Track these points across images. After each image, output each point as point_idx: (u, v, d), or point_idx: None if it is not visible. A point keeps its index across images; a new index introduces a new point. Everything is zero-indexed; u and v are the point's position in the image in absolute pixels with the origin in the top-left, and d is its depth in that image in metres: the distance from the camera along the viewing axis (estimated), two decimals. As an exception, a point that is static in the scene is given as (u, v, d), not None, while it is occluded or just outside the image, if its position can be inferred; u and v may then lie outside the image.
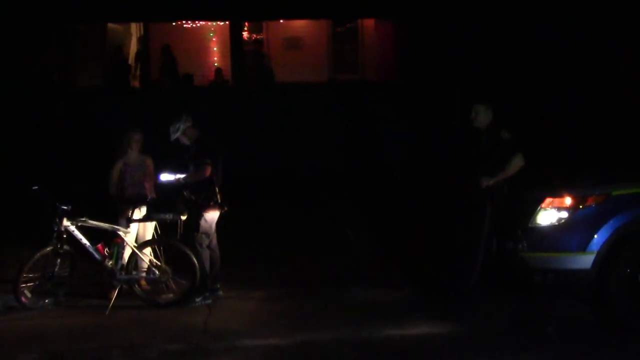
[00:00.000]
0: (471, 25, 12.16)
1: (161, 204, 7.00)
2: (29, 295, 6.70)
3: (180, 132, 7.07)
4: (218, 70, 13.65)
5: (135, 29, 14.95)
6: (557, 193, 6.06)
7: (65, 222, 6.67)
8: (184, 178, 7.01)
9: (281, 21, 14.03)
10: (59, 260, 6.73)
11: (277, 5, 12.68)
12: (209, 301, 6.91)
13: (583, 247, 5.86)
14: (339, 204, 10.26)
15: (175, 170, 7.09)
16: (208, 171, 6.95)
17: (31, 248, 6.87)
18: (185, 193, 7.01)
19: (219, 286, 7.14)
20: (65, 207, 6.63)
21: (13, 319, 6.54)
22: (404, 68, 13.18)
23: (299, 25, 14.36)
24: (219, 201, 7.04)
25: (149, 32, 13.78)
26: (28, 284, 6.68)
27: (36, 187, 6.74)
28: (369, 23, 14.51)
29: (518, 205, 6.33)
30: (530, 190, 6.27)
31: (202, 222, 6.98)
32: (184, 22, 13.85)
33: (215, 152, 7.08)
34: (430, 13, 12.35)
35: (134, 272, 6.85)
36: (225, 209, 7.07)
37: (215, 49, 14.27)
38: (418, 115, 12.29)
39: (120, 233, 6.85)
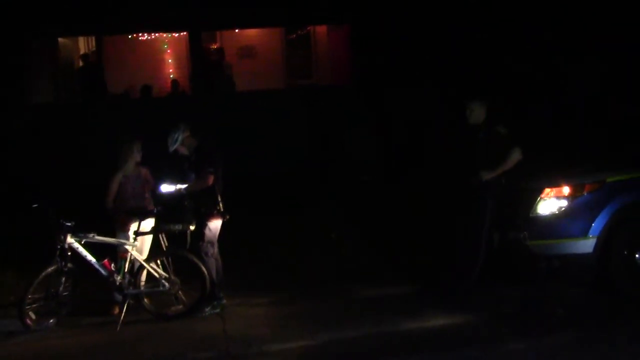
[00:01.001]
0: (422, 28, 12.61)
1: (167, 215, 6.93)
2: (33, 317, 6.53)
3: (179, 142, 7.06)
4: (174, 82, 13.57)
5: (82, 43, 14.69)
6: (555, 183, 6.41)
7: (70, 239, 6.53)
8: (185, 188, 6.99)
9: (236, 30, 14.05)
10: (63, 279, 6.58)
11: (233, 15, 12.77)
12: (218, 310, 6.90)
13: (584, 233, 6.23)
14: (311, 205, 10.41)
15: (175, 181, 7.07)
16: (211, 180, 6.95)
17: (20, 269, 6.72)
18: (186, 203, 7.00)
19: (222, 295, 7.15)
20: (69, 224, 6.50)
21: (19, 342, 6.35)
22: (358, 72, 13.48)
23: (253, 34, 14.43)
24: (222, 209, 7.06)
25: (102, 45, 13.56)
26: (32, 305, 6.51)
27: (36, 205, 6.58)
28: (321, 29, 14.73)
29: (518, 196, 6.65)
30: (529, 181, 6.59)
31: (207, 231, 6.98)
32: (139, 34, 13.67)
33: (217, 160, 7.10)
34: (381, 17, 12.71)
35: (142, 286, 6.77)
36: (227, 217, 7.08)
37: (170, 60, 14.14)
38: (377, 117, 12.65)
39: (127, 247, 6.76)
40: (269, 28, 14.22)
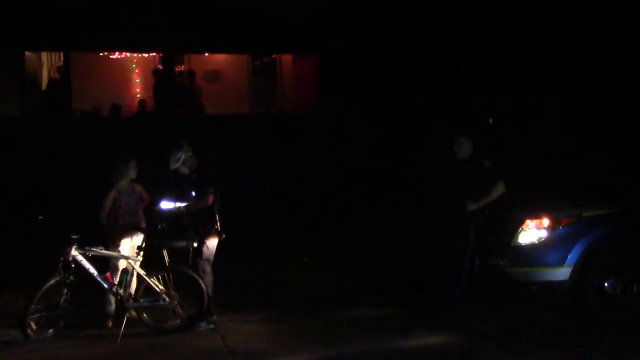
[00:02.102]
0: (386, 59, 13.26)
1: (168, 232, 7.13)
2: (34, 327, 6.61)
3: (181, 162, 7.31)
4: (142, 102, 13.69)
5: (45, 59, 14.63)
6: (536, 215, 6.99)
7: (74, 252, 6.66)
8: (185, 206, 7.22)
9: (206, 54, 14.33)
10: (65, 290, 6.69)
11: (203, 39, 13.08)
12: (212, 326, 7.13)
13: (562, 262, 6.81)
14: (277, 230, 10.74)
15: (174, 198, 7.29)
16: (211, 199, 7.22)
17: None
18: (184, 220, 7.23)
19: (213, 311, 7.38)
20: (75, 237, 6.64)
21: (20, 352, 6.40)
22: (325, 101, 13.98)
23: (220, 58, 14.76)
24: (219, 228, 7.32)
25: (69, 61, 13.55)
26: (34, 316, 6.58)
27: (41, 217, 6.69)
28: (287, 58, 15.18)
29: (500, 226, 7.20)
30: (511, 212, 7.15)
31: (204, 249, 7.22)
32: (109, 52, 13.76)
33: (216, 180, 7.37)
34: (351, 48, 13.30)
35: (141, 300, 6.93)
36: (224, 236, 7.35)
37: (137, 80, 14.26)
38: (342, 145, 13.14)
39: (130, 261, 6.93)
40: (238, 54, 14.59)
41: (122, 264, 7.19)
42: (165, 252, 7.00)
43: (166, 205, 7.26)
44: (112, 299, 7.23)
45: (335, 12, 13.26)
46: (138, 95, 14.12)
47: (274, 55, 15.25)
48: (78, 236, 6.68)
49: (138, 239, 7.32)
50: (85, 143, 11.75)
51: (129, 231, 7.33)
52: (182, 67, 14.57)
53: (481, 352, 6.21)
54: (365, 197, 11.95)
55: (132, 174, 7.50)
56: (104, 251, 6.86)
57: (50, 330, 6.73)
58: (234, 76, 14.84)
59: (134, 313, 7.17)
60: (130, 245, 7.32)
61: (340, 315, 7.52)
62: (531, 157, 7.64)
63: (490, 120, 11.57)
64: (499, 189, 7.21)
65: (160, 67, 14.01)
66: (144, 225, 7.48)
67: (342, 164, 13.01)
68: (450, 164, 7.49)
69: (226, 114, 13.60)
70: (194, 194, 7.31)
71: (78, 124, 12.61)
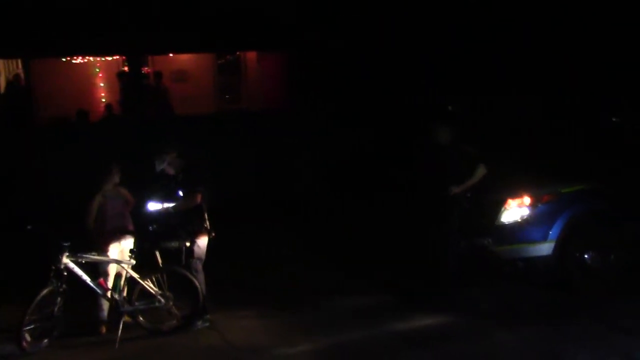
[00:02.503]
0: (357, 56, 13.42)
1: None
2: (28, 339, 6.53)
3: (166, 162, 7.34)
4: (109, 106, 13.58)
5: (2, 66, 14.40)
6: (517, 194, 7.23)
7: (65, 260, 6.63)
8: (173, 207, 7.25)
9: (171, 55, 14.29)
10: (59, 299, 6.65)
11: (167, 40, 13.03)
12: (207, 324, 7.18)
13: (544, 237, 7.07)
14: (257, 226, 10.83)
15: (161, 200, 7.31)
16: (199, 198, 7.26)
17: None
18: (172, 221, 7.25)
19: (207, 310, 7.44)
20: (66, 244, 6.61)
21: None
22: (293, 98, 14.08)
23: (185, 58, 14.73)
24: (208, 227, 7.37)
25: (29, 67, 13.35)
26: (28, 328, 6.51)
27: (30, 227, 6.64)
28: (251, 55, 15.23)
29: (483, 207, 7.41)
30: (494, 193, 7.37)
31: (196, 248, 7.26)
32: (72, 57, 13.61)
33: (205, 179, 7.42)
34: (318, 45, 13.42)
35: (136, 303, 6.94)
36: (213, 234, 7.40)
37: (102, 84, 14.13)
38: (315, 142, 13.26)
39: (124, 265, 6.93)
40: (203, 53, 14.56)
41: (112, 269, 7.19)
42: (158, 254, 7.02)
43: (154, 206, 7.29)
44: (104, 305, 7.21)
45: (305, 9, 13.38)
46: (103, 100, 14.00)
47: (237, 53, 15.29)
48: (69, 243, 6.65)
49: (127, 242, 7.32)
50: (52, 149, 11.62)
51: (117, 235, 7.31)
52: (147, 69, 14.50)
53: (477, 330, 6.42)
54: (346, 193, 12.08)
55: (116, 177, 7.48)
56: (96, 257, 6.84)
57: (45, 341, 6.66)
58: (200, 75, 14.82)
59: (127, 318, 7.21)
60: (119, 249, 7.30)
61: (336, 305, 7.61)
62: (507, 139, 7.84)
63: (450, 107, 11.83)
64: (481, 172, 7.42)
65: (125, 69, 13.91)
66: (131, 228, 7.48)
67: (318, 161, 13.12)
68: (431, 151, 7.67)
69: (198, 114, 13.58)
70: (181, 193, 7.34)
71: (43, 131, 12.42)
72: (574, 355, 5.52)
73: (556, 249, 7.04)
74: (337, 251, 9.73)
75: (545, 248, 7.06)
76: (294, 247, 10.14)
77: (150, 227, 7.05)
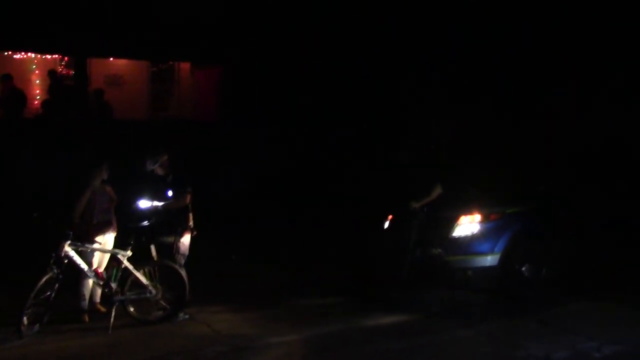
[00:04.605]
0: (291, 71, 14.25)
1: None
2: (25, 323, 6.80)
3: (158, 163, 7.82)
4: (45, 103, 13.50)
5: None
6: (469, 212, 8.31)
7: (67, 247, 6.95)
8: (163, 205, 7.74)
9: (111, 59, 14.45)
10: (56, 286, 6.94)
11: (106, 44, 13.28)
12: (187, 316, 7.69)
13: (491, 250, 8.18)
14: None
15: (151, 198, 7.77)
16: (188, 198, 7.82)
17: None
18: (160, 218, 7.73)
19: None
20: (69, 232, 6.93)
21: (12, 347, 6.59)
22: (219, 109, 14.65)
23: (121, 63, 14.89)
24: (192, 225, 7.90)
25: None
26: (27, 312, 6.78)
27: (36, 214, 6.91)
28: (185, 65, 15.64)
29: (438, 221, 8.44)
30: (448, 210, 8.42)
31: (180, 245, 7.79)
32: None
33: (191, 181, 7.95)
34: (249, 59, 14.14)
35: (128, 293, 7.33)
36: (195, 232, 7.94)
37: (37, 81, 14.04)
38: (248, 152, 13.86)
39: (119, 256, 7.31)
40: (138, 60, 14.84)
41: (95, 259, 7.53)
42: (153, 247, 7.46)
43: (144, 204, 7.73)
44: (86, 295, 7.57)
45: (238, 26, 14.03)
46: (38, 97, 13.90)
47: (170, 62, 15.66)
48: (71, 232, 6.98)
49: (110, 236, 7.73)
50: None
51: (102, 229, 7.69)
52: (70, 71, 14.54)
53: (435, 327, 7.32)
54: (273, 203, 12.72)
55: (105, 175, 7.86)
56: (95, 246, 7.20)
57: (37, 326, 6.95)
58: (135, 82, 15.04)
59: (102, 308, 7.60)
60: (102, 242, 7.66)
61: (302, 303, 8.38)
62: (462, 162, 8.97)
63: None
64: (437, 190, 8.46)
65: (59, 69, 13.93)
66: (115, 223, 7.86)
67: (250, 171, 13.68)
68: (391, 169, 8.64)
69: (129, 119, 13.80)
70: (170, 193, 7.84)
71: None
72: (530, 344, 6.54)
73: (500, 260, 8.16)
74: (279, 257, 10.43)
75: (491, 260, 8.16)
76: (237, 252, 10.74)
77: (147, 222, 7.49)
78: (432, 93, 12.19)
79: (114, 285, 7.25)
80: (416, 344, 6.77)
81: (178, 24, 13.47)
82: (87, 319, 7.50)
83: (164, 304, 7.54)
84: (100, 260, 7.70)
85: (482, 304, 8.14)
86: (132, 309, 7.37)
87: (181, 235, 7.78)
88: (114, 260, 7.37)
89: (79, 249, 7.10)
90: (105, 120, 13.12)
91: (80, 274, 7.42)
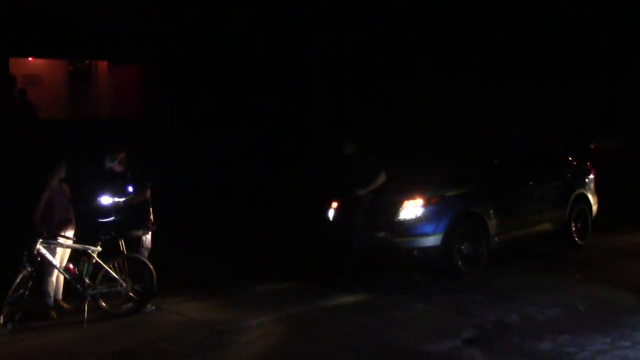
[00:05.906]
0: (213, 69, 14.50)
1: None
2: (1, 321, 6.81)
3: (116, 161, 7.99)
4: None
5: None
6: (412, 197, 8.97)
7: (39, 245, 7.01)
8: (124, 201, 7.92)
9: (30, 59, 14.13)
10: (30, 284, 6.99)
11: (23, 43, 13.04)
12: (154, 307, 7.90)
13: (434, 231, 8.86)
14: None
15: (112, 194, 7.92)
16: (148, 193, 8.04)
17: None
18: (123, 213, 7.90)
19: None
20: (41, 231, 6.99)
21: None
22: (140, 106, 14.69)
23: (38, 62, 14.58)
24: (152, 220, 8.12)
25: None
26: (4, 310, 6.80)
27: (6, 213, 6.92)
28: (103, 64, 15.52)
29: (383, 206, 9.04)
30: (392, 195, 9.05)
31: (144, 239, 8.00)
32: None
33: (150, 176, 8.16)
34: (177, 58, 14.28)
35: (99, 287, 7.46)
36: (155, 226, 8.17)
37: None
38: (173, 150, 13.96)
39: (90, 252, 7.42)
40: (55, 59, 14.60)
41: (58, 256, 7.59)
42: (122, 242, 7.62)
43: (106, 200, 7.87)
44: (51, 292, 7.64)
45: (154, 24, 14.11)
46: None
47: (87, 62, 15.48)
48: (43, 231, 7.04)
49: (70, 233, 7.82)
50: None
51: (63, 227, 7.77)
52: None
53: (392, 303, 7.92)
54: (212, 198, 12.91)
55: (62, 173, 7.93)
56: (67, 242, 7.28)
57: (9, 324, 6.97)
58: (53, 81, 14.78)
59: (65, 305, 7.71)
60: (64, 240, 7.73)
61: (262, 289, 8.75)
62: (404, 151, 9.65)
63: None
64: (382, 178, 9.08)
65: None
66: (74, 221, 7.95)
67: (170, 168, 13.79)
68: (338, 159, 9.18)
69: (48, 118, 13.58)
70: (131, 189, 8.01)
71: None
72: (482, 312, 7.27)
73: (443, 240, 8.86)
74: (227, 250, 10.72)
75: (434, 240, 8.84)
76: (180, 247, 10.92)
77: (115, 218, 7.64)
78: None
79: (86, 280, 7.36)
80: (381, 318, 7.33)
81: (93, 23, 13.40)
82: (54, 315, 7.56)
83: (133, 296, 7.72)
84: (61, 257, 7.76)
85: (431, 282, 8.82)
86: (103, 303, 7.50)
87: (149, 230, 8.00)
88: (84, 255, 7.47)
89: (51, 246, 7.16)
90: (30, 119, 12.84)
91: (44, 272, 7.49)
